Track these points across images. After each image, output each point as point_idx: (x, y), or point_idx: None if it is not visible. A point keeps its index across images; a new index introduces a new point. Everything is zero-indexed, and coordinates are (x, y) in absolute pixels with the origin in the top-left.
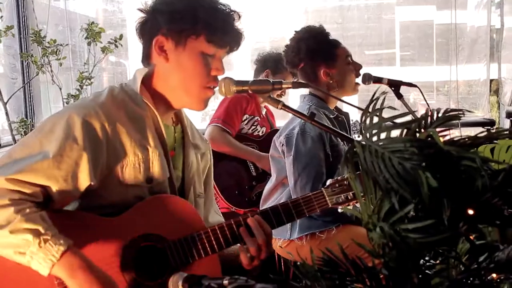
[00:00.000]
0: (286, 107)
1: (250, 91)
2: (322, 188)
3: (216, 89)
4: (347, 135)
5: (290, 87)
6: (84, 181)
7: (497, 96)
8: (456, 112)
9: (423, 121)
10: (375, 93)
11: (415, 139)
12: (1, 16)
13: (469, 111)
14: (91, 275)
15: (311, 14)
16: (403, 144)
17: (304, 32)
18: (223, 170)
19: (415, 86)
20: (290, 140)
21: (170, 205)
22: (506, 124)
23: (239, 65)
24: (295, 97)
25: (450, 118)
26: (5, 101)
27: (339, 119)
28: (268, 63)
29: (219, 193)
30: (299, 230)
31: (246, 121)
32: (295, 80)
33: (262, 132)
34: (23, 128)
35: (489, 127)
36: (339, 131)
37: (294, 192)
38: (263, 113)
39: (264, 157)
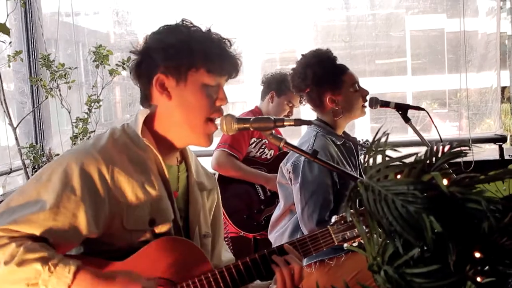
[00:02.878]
0: (288, 145)
1: (251, 129)
2: (328, 226)
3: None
4: (349, 172)
5: (292, 124)
6: (82, 232)
7: (511, 103)
8: (462, 148)
9: (428, 160)
10: (377, 132)
11: (419, 182)
12: (10, 42)
13: (479, 147)
14: (111, 282)
15: (320, 26)
16: (406, 187)
17: (311, 57)
18: (231, 194)
19: (422, 109)
20: (297, 167)
21: (176, 247)
22: None
23: (250, 77)
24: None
25: (455, 155)
26: (15, 126)
27: (347, 145)
28: (272, 85)
29: (227, 217)
30: (308, 258)
31: (253, 145)
32: (302, 103)
33: (271, 155)
34: (32, 153)
35: (500, 143)
36: (342, 168)
37: (301, 220)
38: None
39: (272, 179)
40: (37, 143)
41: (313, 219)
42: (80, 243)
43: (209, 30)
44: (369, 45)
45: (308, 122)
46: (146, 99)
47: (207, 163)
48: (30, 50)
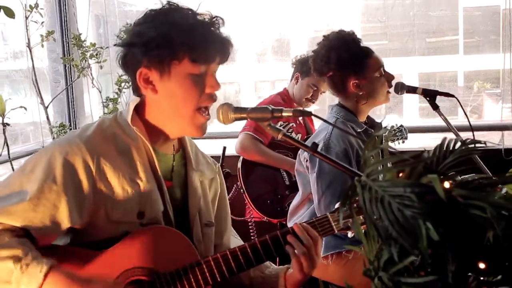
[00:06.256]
0: (287, 137)
1: (249, 119)
2: (328, 213)
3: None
4: (355, 170)
5: (290, 115)
6: (63, 223)
7: None
8: (473, 146)
9: (434, 159)
10: (378, 124)
11: (416, 184)
12: (42, 22)
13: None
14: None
15: (367, 3)
16: (403, 189)
17: (335, 39)
18: (255, 179)
19: (452, 96)
20: (313, 156)
21: (160, 236)
22: None
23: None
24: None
25: (465, 153)
26: (46, 105)
27: (369, 132)
28: (298, 66)
29: (251, 202)
30: (325, 249)
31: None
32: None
33: (298, 139)
34: (61, 132)
35: None
36: (347, 166)
37: (319, 210)
38: (300, 118)
39: None
40: (70, 122)
41: (331, 210)
42: (63, 233)
43: (195, 13)
44: (419, 22)
45: (308, 113)
46: (135, 90)
47: (233, 146)
48: (64, 30)
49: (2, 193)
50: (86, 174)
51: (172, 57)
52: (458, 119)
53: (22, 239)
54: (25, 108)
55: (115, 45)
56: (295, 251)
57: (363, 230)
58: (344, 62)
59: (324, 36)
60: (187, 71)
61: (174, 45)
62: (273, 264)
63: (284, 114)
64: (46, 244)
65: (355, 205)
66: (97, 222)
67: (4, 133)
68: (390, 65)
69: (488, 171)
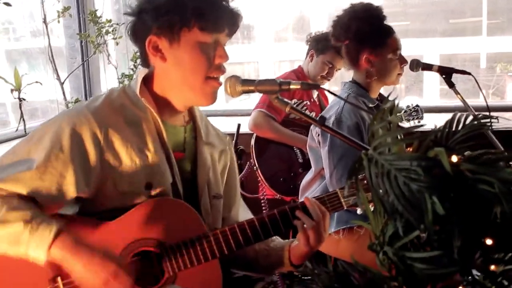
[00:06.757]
0: (294, 110)
1: (256, 92)
2: (337, 189)
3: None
4: (363, 144)
5: (298, 88)
6: (70, 192)
7: None
8: (485, 121)
9: (444, 134)
10: (387, 97)
11: (423, 157)
12: None
13: None
14: (90, 253)
15: None
16: (409, 162)
17: (361, 10)
18: (269, 156)
19: (469, 73)
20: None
21: (168, 208)
22: None
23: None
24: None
25: (475, 128)
26: (62, 81)
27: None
28: (313, 44)
29: (263, 179)
30: (336, 224)
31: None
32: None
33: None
34: None
35: None
36: (357, 140)
37: (330, 185)
38: (315, 96)
39: None
40: (86, 98)
41: (342, 183)
42: (70, 203)
43: None
44: (440, 0)
45: (315, 86)
46: (144, 61)
47: (246, 123)
48: (79, 6)
49: (9, 160)
50: (94, 144)
51: (182, 24)
52: (480, 99)
53: (30, 203)
54: (41, 83)
55: (125, 13)
56: (304, 225)
57: (371, 207)
58: (363, 35)
59: (351, 4)
60: (196, 39)
61: (184, 12)
62: (279, 238)
63: (291, 86)
64: (52, 213)
65: (364, 181)
66: (105, 192)
67: (20, 107)
68: (411, 46)
69: (502, 148)
